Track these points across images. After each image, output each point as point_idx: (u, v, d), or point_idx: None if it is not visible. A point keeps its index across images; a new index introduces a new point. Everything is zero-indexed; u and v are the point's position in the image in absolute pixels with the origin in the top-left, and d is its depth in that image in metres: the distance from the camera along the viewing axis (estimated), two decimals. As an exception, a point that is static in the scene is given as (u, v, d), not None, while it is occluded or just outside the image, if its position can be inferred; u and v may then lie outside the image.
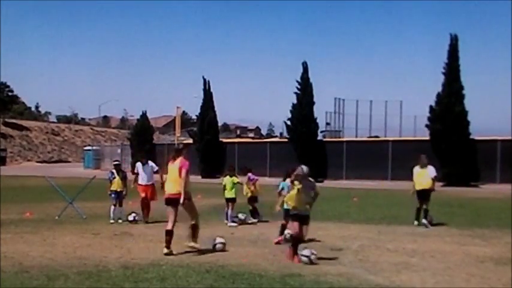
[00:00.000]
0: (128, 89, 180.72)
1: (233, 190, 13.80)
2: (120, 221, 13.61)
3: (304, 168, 9.11)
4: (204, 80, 41.08)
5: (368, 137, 45.17)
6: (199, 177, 39.16)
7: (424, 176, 13.32)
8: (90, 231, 11.92)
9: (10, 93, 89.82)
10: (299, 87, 35.93)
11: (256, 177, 14.29)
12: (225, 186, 13.91)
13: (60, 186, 16.75)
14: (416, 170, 13.47)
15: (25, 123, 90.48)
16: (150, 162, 14.32)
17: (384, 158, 33.92)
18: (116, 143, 69.58)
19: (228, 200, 13.76)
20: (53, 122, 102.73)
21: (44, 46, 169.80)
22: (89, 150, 61.66)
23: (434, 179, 13.39)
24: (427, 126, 31.79)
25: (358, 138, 44.48)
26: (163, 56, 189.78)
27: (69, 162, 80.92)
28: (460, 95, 30.83)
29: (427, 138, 31.75)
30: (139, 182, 14.06)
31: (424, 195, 13.19)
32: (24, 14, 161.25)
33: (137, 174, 14.22)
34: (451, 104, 30.31)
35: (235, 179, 13.97)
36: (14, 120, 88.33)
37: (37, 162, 77.78)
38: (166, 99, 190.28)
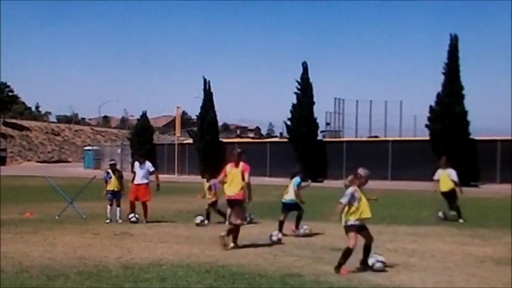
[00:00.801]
0: (128, 89, 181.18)
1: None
2: (120, 220, 13.61)
3: (366, 170, 8.72)
4: (204, 80, 41.13)
5: (368, 137, 45.18)
6: (200, 177, 39.20)
7: (446, 178, 14.40)
8: (90, 231, 11.92)
9: (10, 93, 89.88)
10: (299, 87, 35.92)
11: (216, 184, 13.12)
12: None
13: (60, 186, 16.75)
14: (439, 171, 14.65)
15: (25, 123, 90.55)
16: (148, 163, 14.30)
17: (384, 158, 33.92)
18: (116, 143, 69.53)
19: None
20: (53, 122, 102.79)
21: (44, 46, 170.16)
22: (89, 150, 61.72)
23: (456, 183, 14.28)
24: (427, 126, 31.79)
25: (358, 138, 44.49)
26: (163, 56, 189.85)
27: (69, 162, 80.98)
28: (460, 95, 30.83)
29: (427, 138, 31.76)
30: (135, 181, 14.06)
31: (447, 196, 14.37)
32: (24, 14, 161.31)
33: (135, 173, 14.24)
34: (451, 104, 30.31)
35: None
36: (14, 120, 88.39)
37: (37, 162, 77.82)
38: (166, 99, 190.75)
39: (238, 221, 10.33)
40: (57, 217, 14.17)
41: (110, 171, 14.26)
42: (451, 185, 14.25)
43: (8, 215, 14.74)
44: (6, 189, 23.84)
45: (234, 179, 10.32)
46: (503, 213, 15.56)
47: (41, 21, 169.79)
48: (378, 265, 7.98)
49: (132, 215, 13.63)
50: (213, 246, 10.05)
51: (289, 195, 11.85)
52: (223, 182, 10.68)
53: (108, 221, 13.52)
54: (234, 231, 10.23)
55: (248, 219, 13.26)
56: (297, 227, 11.88)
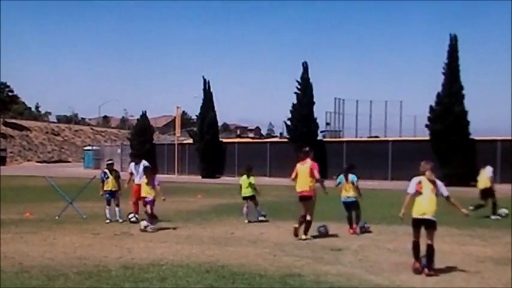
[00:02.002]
0: (128, 89, 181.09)
1: (248, 188, 14.07)
2: (120, 220, 13.61)
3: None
4: (204, 80, 41.12)
5: (368, 137, 45.17)
6: (200, 177, 39.19)
7: (482, 175, 15.95)
8: (90, 231, 11.92)
9: (10, 93, 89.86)
10: (299, 87, 35.92)
11: (158, 182, 13.09)
12: (241, 185, 14.21)
13: (60, 186, 16.75)
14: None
15: (25, 123, 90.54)
16: (143, 162, 14.28)
17: (384, 158, 33.91)
18: (116, 143, 69.55)
19: (246, 198, 14.08)
20: (53, 122, 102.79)
21: (44, 46, 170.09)
22: (89, 150, 61.69)
23: (490, 179, 15.82)
24: (427, 126, 31.77)
25: (358, 138, 44.48)
26: (163, 56, 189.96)
27: (69, 162, 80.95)
28: (460, 95, 30.82)
29: (427, 138, 31.75)
30: (135, 181, 14.07)
31: (483, 193, 15.88)
32: (24, 14, 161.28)
33: (131, 174, 14.26)
34: (451, 104, 30.30)
35: (252, 180, 14.26)
36: (14, 120, 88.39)
37: (37, 162, 77.80)
38: (166, 99, 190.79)
39: (309, 217, 11.05)
40: (57, 217, 14.17)
41: (106, 171, 14.22)
42: (486, 183, 16.09)
43: (8, 215, 14.75)
44: (6, 189, 23.83)
45: (302, 176, 11.15)
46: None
47: (41, 21, 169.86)
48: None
49: (132, 215, 13.61)
50: (213, 246, 10.06)
51: (349, 193, 12.16)
52: (295, 179, 11.37)
53: (108, 221, 13.51)
54: (306, 223, 11.04)
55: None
56: (357, 223, 12.13)
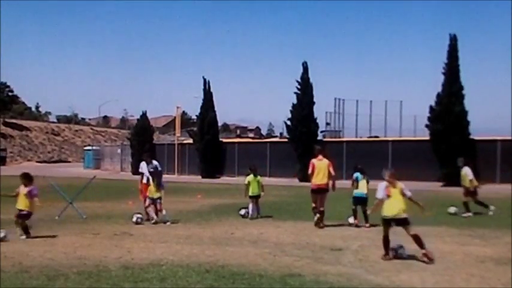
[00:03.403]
0: (128, 89, 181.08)
1: (257, 187, 14.71)
2: (168, 223, 13.32)
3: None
4: (204, 80, 41.10)
5: (368, 137, 45.14)
6: (200, 177, 39.18)
7: (464, 177, 15.84)
8: (90, 231, 11.92)
9: (10, 93, 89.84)
10: (299, 87, 35.89)
11: (36, 193, 12.34)
12: (249, 183, 14.70)
13: (60, 186, 16.74)
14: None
15: (25, 123, 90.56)
16: (154, 162, 14.28)
17: (384, 158, 33.88)
18: (116, 143, 69.53)
19: (254, 197, 14.60)
20: (53, 122, 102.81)
21: (44, 46, 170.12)
22: (89, 150, 61.70)
23: (471, 181, 15.61)
24: (427, 126, 31.75)
25: (358, 138, 44.46)
26: (163, 56, 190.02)
27: (69, 162, 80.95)
28: (460, 95, 30.79)
29: (427, 138, 31.73)
30: (144, 181, 14.06)
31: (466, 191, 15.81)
32: (24, 14, 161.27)
33: (142, 174, 14.20)
34: (451, 104, 30.27)
35: (260, 179, 14.93)
36: (14, 120, 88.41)
37: (37, 162, 77.79)
38: (166, 99, 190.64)
39: (322, 208, 12.66)
40: (57, 217, 14.17)
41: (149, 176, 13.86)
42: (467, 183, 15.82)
43: (8, 215, 14.73)
44: (6, 189, 23.73)
45: (321, 171, 12.77)
46: (503, 213, 15.55)
47: (41, 21, 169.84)
48: None
49: (136, 215, 13.43)
50: (213, 246, 10.06)
51: (361, 189, 13.08)
52: (312, 174, 12.84)
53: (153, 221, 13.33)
54: (320, 213, 12.58)
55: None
56: (366, 221, 12.70)
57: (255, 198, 14.62)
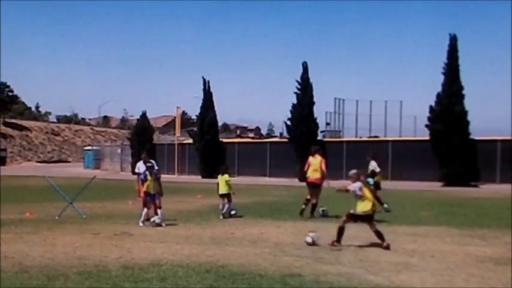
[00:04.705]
0: (128, 89, 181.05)
1: (226, 187, 14.89)
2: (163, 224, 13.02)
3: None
4: (204, 80, 41.07)
5: (368, 137, 45.12)
6: (200, 177, 39.17)
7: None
8: (90, 231, 11.91)
9: (10, 93, 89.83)
10: (299, 87, 35.88)
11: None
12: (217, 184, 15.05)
13: (60, 186, 16.74)
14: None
15: (25, 123, 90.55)
16: (152, 161, 14.27)
17: (383, 158, 33.87)
18: (115, 143, 69.51)
19: (223, 195, 14.90)
20: (53, 122, 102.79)
21: (44, 46, 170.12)
22: (89, 150, 61.69)
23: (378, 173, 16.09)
24: (427, 126, 31.75)
25: (358, 138, 44.44)
26: (163, 56, 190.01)
27: (69, 162, 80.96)
28: (460, 95, 30.79)
29: (427, 138, 31.72)
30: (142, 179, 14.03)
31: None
32: (24, 14, 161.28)
33: (139, 174, 14.20)
34: (451, 104, 30.27)
35: (227, 177, 15.08)
36: (14, 120, 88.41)
37: (37, 162, 77.82)
38: (166, 99, 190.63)
39: (314, 201, 14.17)
40: (57, 217, 14.17)
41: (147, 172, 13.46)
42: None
43: (8, 215, 14.74)
44: (6, 189, 23.84)
45: (313, 167, 14.38)
46: (503, 213, 15.55)
47: (41, 21, 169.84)
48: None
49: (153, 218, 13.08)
50: (213, 246, 10.06)
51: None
52: (307, 170, 14.42)
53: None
54: (312, 206, 14.14)
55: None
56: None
57: (223, 196, 14.91)
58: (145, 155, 14.68)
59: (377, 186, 15.23)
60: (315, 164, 14.38)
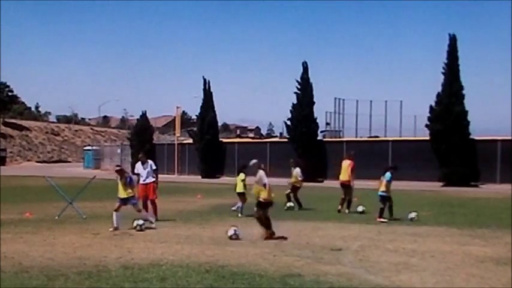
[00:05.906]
0: (128, 89, 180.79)
1: (242, 186, 15.18)
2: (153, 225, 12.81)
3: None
4: (204, 80, 41.11)
5: (368, 137, 45.14)
6: (200, 177, 39.19)
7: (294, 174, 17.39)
8: (90, 231, 11.91)
9: (10, 93, 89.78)
10: (299, 87, 35.91)
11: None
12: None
13: (60, 186, 16.73)
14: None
15: (25, 123, 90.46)
16: (150, 161, 14.30)
17: (384, 158, 33.86)
18: (115, 143, 69.50)
19: (239, 194, 15.22)
20: (53, 122, 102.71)
21: (44, 46, 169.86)
22: (89, 150, 61.67)
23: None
24: (427, 126, 31.77)
25: (358, 138, 44.46)
26: (163, 56, 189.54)
27: (69, 162, 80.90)
28: (460, 95, 30.81)
29: (427, 138, 31.75)
30: (140, 181, 14.05)
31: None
32: (24, 14, 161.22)
33: (138, 174, 14.20)
34: (451, 104, 30.30)
35: (242, 176, 15.26)
36: (14, 120, 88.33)
37: (37, 162, 77.76)
38: (166, 99, 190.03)
39: (348, 197, 15.88)
40: (57, 217, 14.17)
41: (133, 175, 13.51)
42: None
43: (8, 215, 14.74)
44: (6, 189, 23.84)
45: (344, 169, 16.31)
46: (503, 213, 15.56)
47: (41, 21, 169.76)
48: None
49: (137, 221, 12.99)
50: (213, 246, 10.06)
51: (381, 188, 14.21)
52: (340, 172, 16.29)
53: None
54: (347, 202, 15.84)
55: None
56: (380, 216, 13.86)
57: (239, 195, 15.22)
58: (142, 155, 14.75)
59: (296, 188, 16.76)
60: (344, 167, 16.25)
